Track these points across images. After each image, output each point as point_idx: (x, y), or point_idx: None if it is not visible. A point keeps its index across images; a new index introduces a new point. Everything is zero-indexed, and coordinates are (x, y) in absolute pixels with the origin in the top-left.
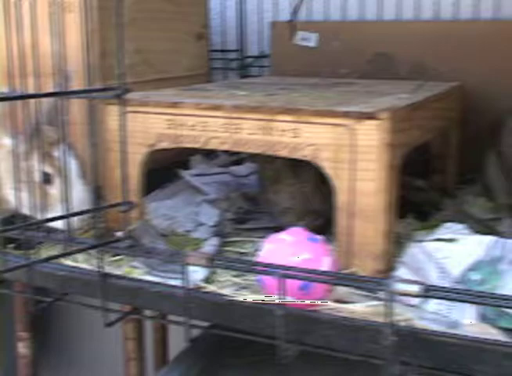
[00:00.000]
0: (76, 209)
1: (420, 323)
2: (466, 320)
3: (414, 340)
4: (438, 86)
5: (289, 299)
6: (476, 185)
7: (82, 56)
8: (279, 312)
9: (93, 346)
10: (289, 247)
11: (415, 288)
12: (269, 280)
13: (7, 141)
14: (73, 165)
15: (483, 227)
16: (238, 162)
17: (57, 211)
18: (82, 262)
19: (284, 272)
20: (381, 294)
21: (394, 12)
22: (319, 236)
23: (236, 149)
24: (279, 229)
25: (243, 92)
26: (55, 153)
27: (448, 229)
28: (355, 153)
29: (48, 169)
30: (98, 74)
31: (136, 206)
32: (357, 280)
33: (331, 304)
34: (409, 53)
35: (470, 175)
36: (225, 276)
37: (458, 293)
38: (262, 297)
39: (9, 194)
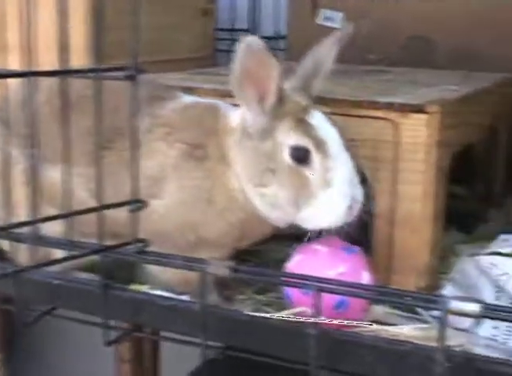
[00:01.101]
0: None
1: (475, 350)
2: None
3: (469, 368)
4: (486, 77)
5: (323, 318)
6: None
7: (85, 30)
8: (312, 333)
9: (81, 369)
10: (323, 258)
11: (474, 307)
12: (299, 296)
13: (235, 114)
14: (336, 135)
15: None
16: None
17: (318, 207)
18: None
19: (320, 285)
20: (427, 316)
21: None
22: (356, 247)
23: None
24: (304, 236)
25: None
26: (312, 121)
27: (507, 242)
28: (399, 151)
29: (303, 141)
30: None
31: (146, 206)
32: (405, 296)
33: (375, 325)
34: (450, 38)
35: None
36: (243, 292)
37: None
38: (292, 314)
39: (252, 193)
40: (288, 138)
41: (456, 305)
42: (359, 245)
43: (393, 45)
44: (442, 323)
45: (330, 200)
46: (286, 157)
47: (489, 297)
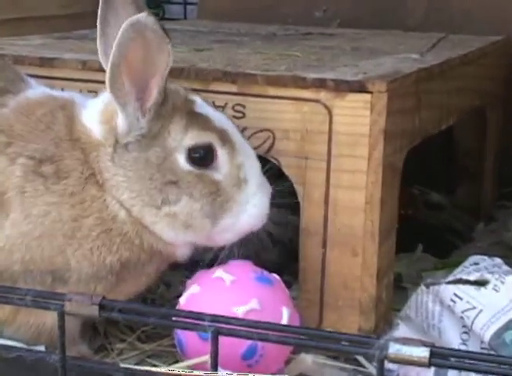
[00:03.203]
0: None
1: None
2: None
3: None
4: (470, 41)
5: (226, 373)
6: None
7: None
8: None
9: None
10: (228, 290)
11: (422, 352)
12: (195, 342)
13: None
14: (229, 122)
15: None
16: None
17: (239, 210)
18: None
19: (218, 325)
20: (371, 367)
21: None
22: (273, 276)
23: None
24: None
25: None
26: (201, 110)
27: (476, 266)
28: (334, 144)
29: (205, 137)
30: None
31: None
32: (334, 339)
33: None
34: None
35: None
36: (124, 340)
37: (487, 360)
38: (185, 367)
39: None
40: (184, 138)
41: (399, 349)
42: (280, 272)
43: None
44: (380, 373)
45: (251, 199)
46: (182, 162)
47: (454, 340)
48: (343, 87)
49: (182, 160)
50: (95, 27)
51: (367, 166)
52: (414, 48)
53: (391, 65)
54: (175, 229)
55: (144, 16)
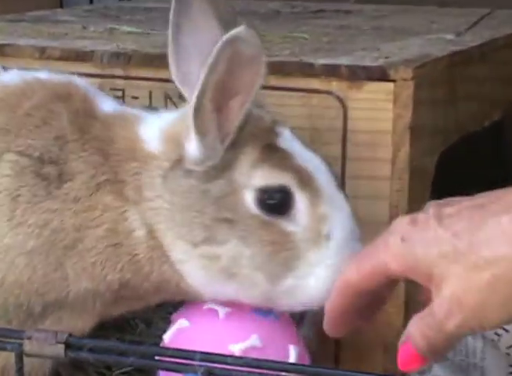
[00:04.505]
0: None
1: None
2: None
3: None
4: None
5: None
6: None
7: None
8: None
9: None
10: (223, 325)
11: None
12: None
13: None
14: (321, 164)
15: None
16: None
17: (307, 275)
18: None
19: (211, 365)
20: None
21: None
22: None
23: None
24: None
25: (129, 28)
26: (284, 145)
27: None
28: (348, 144)
29: (280, 178)
30: None
31: None
32: None
33: None
34: None
35: None
36: None
37: None
38: None
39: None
40: (252, 176)
41: None
42: None
43: None
44: None
45: (326, 260)
46: (249, 203)
47: None
48: (359, 74)
49: (249, 200)
50: (54, 6)
51: (391, 171)
52: (449, 27)
53: (419, 48)
54: (211, 275)
55: (243, 31)
